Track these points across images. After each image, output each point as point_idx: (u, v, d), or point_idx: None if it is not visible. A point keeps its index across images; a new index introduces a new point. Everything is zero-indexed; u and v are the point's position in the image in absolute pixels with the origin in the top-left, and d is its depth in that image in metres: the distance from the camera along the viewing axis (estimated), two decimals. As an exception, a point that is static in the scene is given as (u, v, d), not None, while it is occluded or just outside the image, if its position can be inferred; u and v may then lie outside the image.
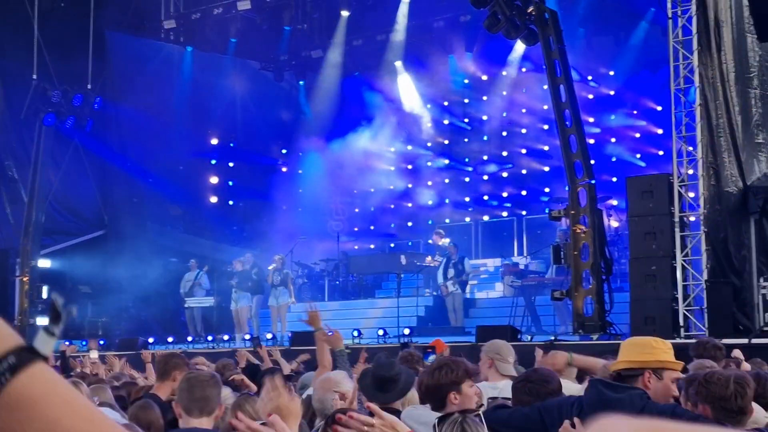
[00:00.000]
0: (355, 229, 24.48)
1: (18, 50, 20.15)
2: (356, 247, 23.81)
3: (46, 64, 19.96)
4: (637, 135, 21.37)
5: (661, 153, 20.31)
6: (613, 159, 21.15)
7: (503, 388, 5.39)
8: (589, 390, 4.34)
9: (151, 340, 17.88)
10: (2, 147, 20.91)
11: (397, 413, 4.46)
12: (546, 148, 22.21)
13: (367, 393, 4.78)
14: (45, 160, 20.01)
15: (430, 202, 24.07)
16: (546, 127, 22.14)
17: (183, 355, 6.60)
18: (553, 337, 13.56)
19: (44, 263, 20.38)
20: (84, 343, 17.47)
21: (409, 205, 24.44)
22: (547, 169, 22.16)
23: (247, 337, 17.54)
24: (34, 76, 19.49)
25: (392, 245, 23.75)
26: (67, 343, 16.71)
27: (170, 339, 18.21)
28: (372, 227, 24.57)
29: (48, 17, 20.16)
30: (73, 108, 19.67)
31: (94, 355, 11.55)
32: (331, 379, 4.58)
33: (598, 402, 3.98)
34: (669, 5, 13.42)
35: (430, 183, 24.14)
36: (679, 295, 12.75)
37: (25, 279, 19.49)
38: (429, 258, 18.99)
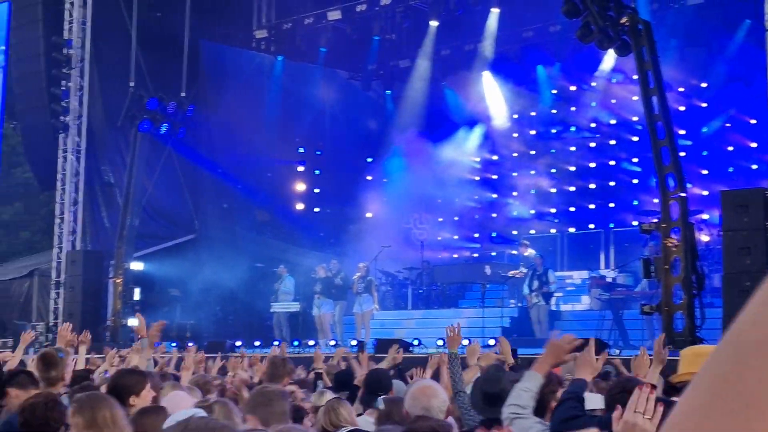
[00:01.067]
0: (439, 238, 24.49)
1: (116, 59, 20.80)
2: (440, 257, 23.82)
3: (142, 73, 20.53)
4: (730, 148, 20.93)
5: (755, 167, 19.88)
6: (705, 172, 20.76)
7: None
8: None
9: (238, 343, 18.15)
10: (100, 152, 21.56)
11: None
12: (635, 160, 21.93)
13: (477, 407, 4.83)
14: (140, 165, 20.54)
15: (515, 213, 23.94)
16: (636, 138, 21.86)
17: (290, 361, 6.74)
18: (641, 352, 13.37)
19: (137, 266, 20.88)
20: (174, 344, 17.88)
21: (494, 215, 24.35)
22: (636, 181, 21.86)
23: (332, 342, 17.71)
24: (131, 84, 20.03)
25: (476, 255, 23.71)
26: (156, 344, 17.16)
27: (257, 343, 18.48)
28: (456, 237, 24.55)
29: (145, 27, 20.72)
30: (167, 115, 20.15)
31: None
32: (431, 387, 4.61)
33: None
34: (766, 17, 13.17)
35: (515, 194, 24.01)
36: (774, 312, 12.44)
37: (118, 281, 19.99)
38: (515, 271, 18.92)
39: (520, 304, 18.79)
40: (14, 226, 31.27)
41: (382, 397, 5.61)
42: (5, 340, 20.22)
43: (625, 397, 4.63)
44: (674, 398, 4.13)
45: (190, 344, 14.10)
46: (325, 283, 19.31)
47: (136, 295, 20.24)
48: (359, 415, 5.93)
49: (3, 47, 22.24)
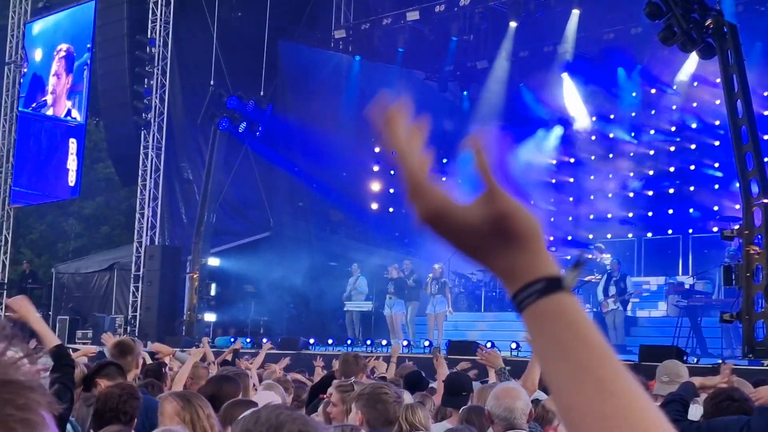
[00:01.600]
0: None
1: (198, 58, 21.15)
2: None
3: (222, 71, 20.83)
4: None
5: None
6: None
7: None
8: (758, 416, 4.22)
9: (311, 341, 18.31)
10: (179, 149, 21.94)
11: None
12: (716, 165, 21.48)
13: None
14: (218, 163, 20.84)
15: (591, 217, 23.64)
16: (717, 143, 21.41)
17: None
18: (720, 361, 13.11)
19: (213, 262, 21.18)
20: (249, 340, 18.11)
21: (570, 218, 24.09)
22: (716, 186, 21.40)
23: (405, 343, 17.72)
24: (212, 83, 20.35)
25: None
26: (232, 339, 17.42)
27: (330, 341, 18.60)
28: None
29: (226, 27, 21.03)
30: (246, 114, 20.41)
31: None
32: (516, 389, 4.58)
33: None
34: None
35: (592, 197, 23.71)
36: None
37: (195, 276, 20.30)
38: (591, 276, 18.69)
39: (594, 309, 18.55)
40: (95, 220, 32.02)
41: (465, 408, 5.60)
42: (85, 331, 20.71)
43: (731, 406, 4.55)
44: None
45: (264, 340, 14.25)
46: (398, 283, 19.33)
47: (212, 290, 20.55)
48: (440, 419, 5.93)
49: (89, 45, 22.79)
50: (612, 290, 17.45)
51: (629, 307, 18.25)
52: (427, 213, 1.04)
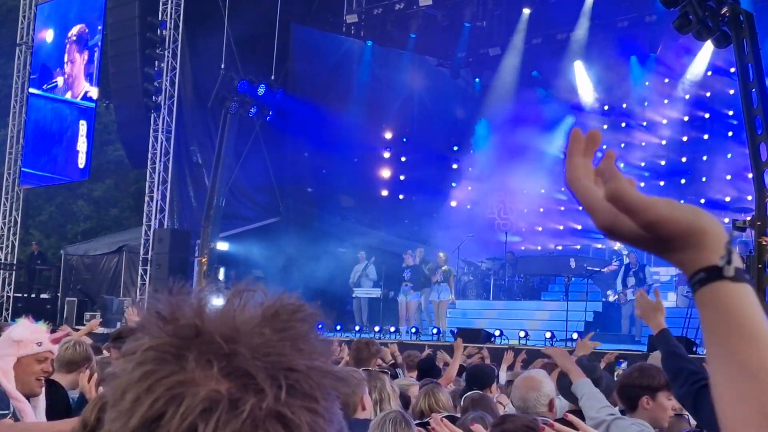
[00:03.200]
0: (523, 229, 24.25)
1: (209, 41, 21.05)
2: (522, 248, 23.58)
3: (233, 55, 20.74)
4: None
5: None
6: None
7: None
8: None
9: (319, 326, 18.26)
10: (190, 133, 21.89)
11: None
12: (729, 155, 21.32)
13: (566, 394, 4.72)
14: (228, 147, 20.77)
15: (602, 206, 23.52)
16: (730, 134, 21.26)
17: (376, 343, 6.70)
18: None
19: (222, 246, 21.14)
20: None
21: (580, 207, 23.83)
22: (729, 177, 21.26)
23: (414, 330, 17.70)
24: (222, 66, 20.25)
25: (560, 248, 23.41)
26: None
27: (338, 327, 18.57)
28: (540, 228, 24.27)
29: (237, 10, 20.91)
30: (256, 98, 20.33)
31: None
32: (534, 378, 4.53)
33: None
34: None
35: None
36: None
37: (203, 260, 20.27)
38: (611, 265, 18.67)
39: (615, 297, 18.48)
40: (104, 202, 32.06)
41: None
42: (93, 313, 20.72)
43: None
44: None
45: None
46: (414, 270, 19.28)
47: (221, 274, 20.52)
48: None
49: (99, 27, 22.71)
50: (631, 281, 17.38)
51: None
52: (603, 226, 1.13)
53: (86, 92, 23.27)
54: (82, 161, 23.13)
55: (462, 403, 5.36)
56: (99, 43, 22.71)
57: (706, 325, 1.07)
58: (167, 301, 0.94)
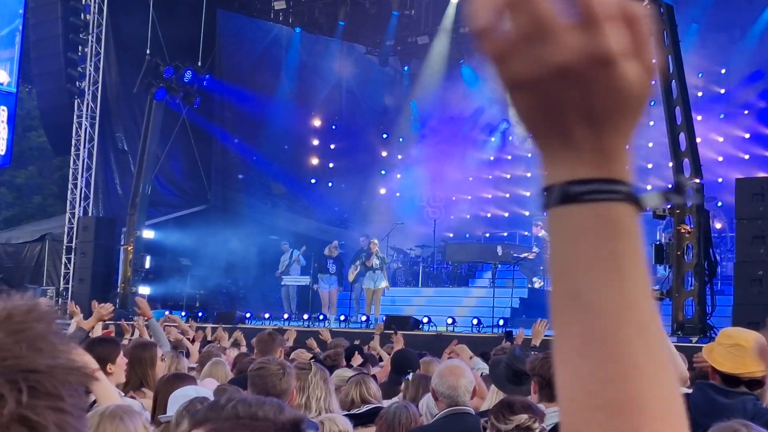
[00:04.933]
0: (451, 217, 24.46)
1: (134, 26, 20.70)
2: (451, 235, 23.79)
3: (159, 41, 20.44)
4: (747, 135, 20.77)
5: (770, 155, 19.76)
6: (720, 159, 20.62)
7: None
8: (696, 392, 4.17)
9: (248, 315, 18.21)
10: (114, 119, 21.55)
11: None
12: (650, 144, 21.76)
13: (499, 383, 4.80)
14: (154, 133, 20.48)
15: (527, 194, 23.88)
16: (652, 123, 21.67)
17: (279, 333, 6.72)
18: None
19: (148, 234, 20.87)
20: (183, 314, 17.94)
21: (507, 195, 24.30)
22: (650, 165, 21.71)
23: (343, 317, 17.72)
24: (148, 51, 19.97)
25: (487, 235, 23.67)
26: (167, 312, 17.24)
27: (266, 315, 18.53)
28: (468, 216, 24.52)
29: (163, -6, 20.63)
30: (183, 84, 20.09)
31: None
32: (460, 367, 4.59)
33: (707, 405, 3.80)
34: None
35: (529, 174, 23.93)
36: (786, 302, 12.41)
37: (129, 248, 19.99)
38: (528, 252, 18.90)
39: (529, 286, 18.79)
40: (27, 189, 31.39)
41: (411, 374, 5.62)
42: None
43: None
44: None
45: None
46: (337, 261, 19.29)
47: (147, 263, 20.26)
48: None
49: (21, 11, 22.17)
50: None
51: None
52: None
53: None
54: (2, 148, 22.58)
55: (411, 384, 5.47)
56: (20, 27, 22.17)
57: (568, 253, 0.80)
58: None
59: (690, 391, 4.06)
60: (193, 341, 9.94)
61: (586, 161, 0.78)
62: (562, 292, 0.79)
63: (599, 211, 0.79)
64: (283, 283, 20.23)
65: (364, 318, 17.58)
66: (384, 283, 18.78)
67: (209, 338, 11.34)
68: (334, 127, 25.01)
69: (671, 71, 13.65)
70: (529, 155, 23.87)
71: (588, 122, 0.77)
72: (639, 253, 0.79)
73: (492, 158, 24.34)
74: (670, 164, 14.02)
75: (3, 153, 22.70)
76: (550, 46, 0.74)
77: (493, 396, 4.90)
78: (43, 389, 0.86)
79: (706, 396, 3.73)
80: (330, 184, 24.95)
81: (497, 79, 0.78)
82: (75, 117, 21.08)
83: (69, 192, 21.30)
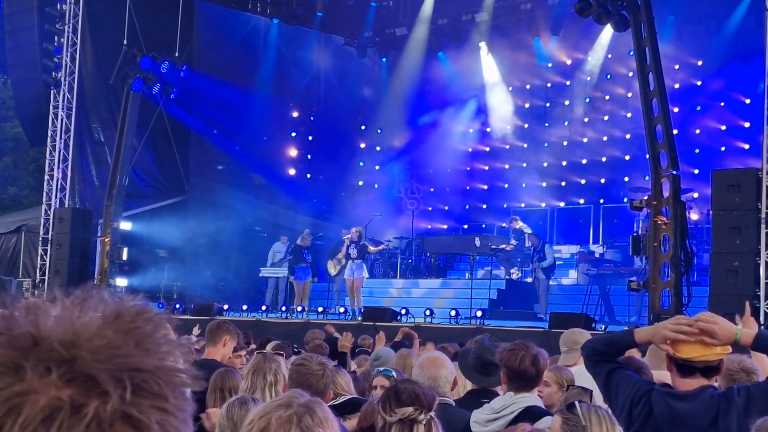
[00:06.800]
0: (429, 208, 24.51)
1: (110, 16, 20.55)
2: (429, 227, 23.84)
3: (136, 31, 20.28)
4: (723, 127, 20.92)
5: (746, 147, 19.89)
6: (696, 151, 20.76)
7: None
8: (656, 401, 3.59)
9: (225, 306, 18.14)
10: (91, 110, 21.39)
11: (495, 396, 4.51)
12: (628, 136, 21.90)
13: (467, 374, 4.81)
14: (131, 124, 20.34)
15: (506, 186, 23.95)
16: (629, 115, 21.83)
17: (230, 323, 6.67)
18: (626, 328, 13.43)
19: (125, 225, 20.73)
20: (160, 306, 17.85)
21: (485, 187, 24.35)
22: (627, 157, 21.85)
23: (321, 309, 17.67)
24: (124, 42, 19.83)
25: (465, 227, 23.73)
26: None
27: (245, 307, 18.48)
28: (446, 207, 24.56)
29: (140, -16, 20.48)
30: (160, 75, 19.95)
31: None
32: (440, 358, 4.60)
33: (669, 414, 3.51)
34: (767, -4, 13.10)
35: (507, 166, 24.00)
36: (761, 293, 12.53)
37: (106, 240, 19.85)
38: (505, 244, 18.96)
39: (507, 277, 18.87)
40: (2, 181, 31.14)
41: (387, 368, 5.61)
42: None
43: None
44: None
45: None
46: (312, 251, 19.24)
47: (124, 254, 20.14)
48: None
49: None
50: (536, 258, 17.74)
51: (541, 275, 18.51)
52: None
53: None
54: (-23, 138, 22.39)
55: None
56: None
57: None
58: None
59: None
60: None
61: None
62: None
63: None
64: (261, 275, 20.15)
65: (342, 309, 17.56)
66: (364, 274, 18.66)
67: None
68: (312, 118, 24.96)
69: (648, 63, 13.72)
70: (507, 147, 23.96)
71: None
72: None
73: (470, 150, 24.38)
74: (647, 156, 14.10)
75: (-22, 144, 22.49)
76: None
77: (460, 387, 4.90)
78: (149, 388, 0.87)
79: (666, 405, 3.51)
80: (308, 176, 24.91)
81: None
82: (51, 108, 20.91)
83: (45, 183, 21.14)
